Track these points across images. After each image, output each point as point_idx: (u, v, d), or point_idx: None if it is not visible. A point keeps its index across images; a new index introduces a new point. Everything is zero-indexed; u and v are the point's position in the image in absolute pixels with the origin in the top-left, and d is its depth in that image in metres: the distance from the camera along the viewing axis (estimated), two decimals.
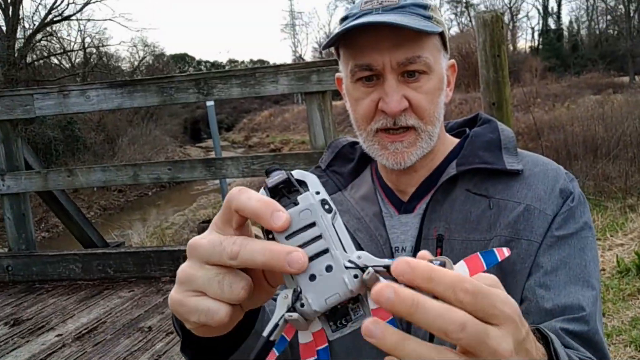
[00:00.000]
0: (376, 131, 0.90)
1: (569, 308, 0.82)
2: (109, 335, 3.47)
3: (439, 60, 0.91)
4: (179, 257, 4.37)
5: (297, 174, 0.50)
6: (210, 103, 6.21)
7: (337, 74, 1.00)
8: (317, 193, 0.49)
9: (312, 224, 0.47)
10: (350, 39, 0.88)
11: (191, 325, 0.53)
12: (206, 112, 6.89)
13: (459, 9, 46.99)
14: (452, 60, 0.98)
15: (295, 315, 0.46)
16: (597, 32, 44.03)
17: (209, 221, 7.17)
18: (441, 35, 0.91)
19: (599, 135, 10.73)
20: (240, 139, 30.41)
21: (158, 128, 21.73)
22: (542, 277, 0.85)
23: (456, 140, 1.02)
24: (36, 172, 4.70)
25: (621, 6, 40.15)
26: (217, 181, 10.44)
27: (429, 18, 0.88)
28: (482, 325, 0.42)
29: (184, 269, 0.52)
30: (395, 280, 0.42)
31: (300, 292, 0.46)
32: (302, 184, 0.49)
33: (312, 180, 0.50)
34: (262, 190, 0.50)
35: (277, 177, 0.49)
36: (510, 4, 43.76)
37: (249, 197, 0.47)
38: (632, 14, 39.63)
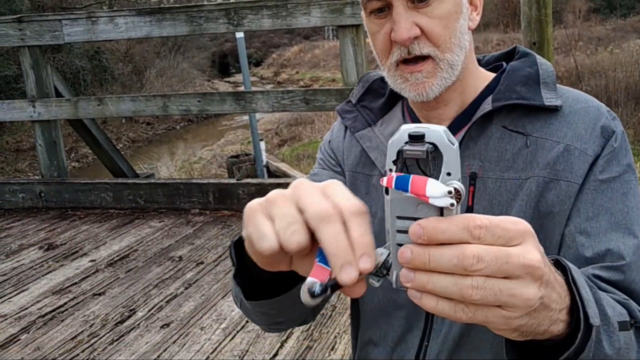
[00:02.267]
0: (396, 65, 0.87)
1: (608, 256, 0.80)
2: (140, 262, 3.58)
3: None
4: (208, 190, 4.43)
5: (438, 138, 0.48)
6: (240, 35, 6.10)
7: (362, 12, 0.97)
8: (448, 174, 0.48)
9: None
10: None
11: (245, 240, 0.57)
12: (235, 46, 6.77)
13: None
14: None
15: (377, 284, 0.52)
16: None
17: (237, 156, 7.24)
18: None
19: None
20: (269, 75, 30.10)
21: (186, 61, 21.60)
22: (583, 223, 0.83)
23: (492, 75, 0.97)
24: (66, 99, 4.74)
25: None
26: (246, 117, 10.43)
27: None
28: (500, 250, 0.46)
29: (278, 192, 0.54)
30: None
31: (391, 266, 0.51)
32: (438, 152, 0.48)
33: (450, 155, 0.48)
34: (394, 143, 0.49)
35: (417, 150, 0.48)
36: None
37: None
38: None
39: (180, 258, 3.61)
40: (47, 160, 4.77)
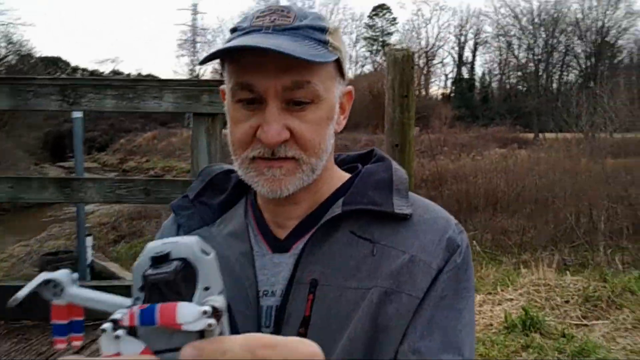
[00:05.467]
0: (252, 158, 0.89)
1: None
2: None
3: (332, 88, 0.91)
4: (11, 294, 3.94)
5: (188, 251, 0.47)
6: (77, 114, 5.83)
7: (222, 86, 0.97)
8: (206, 289, 0.47)
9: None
10: (235, 55, 0.87)
11: None
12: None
13: (374, 47, 49.12)
14: (350, 87, 0.99)
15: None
16: (508, 86, 47.72)
17: (55, 253, 6.67)
18: (338, 61, 0.92)
19: (500, 189, 11.53)
20: (113, 162, 29.35)
21: (10, 140, 20.35)
22: (417, 342, 0.86)
23: (346, 176, 1.02)
24: None
25: (531, 64, 44.19)
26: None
27: (325, 43, 0.88)
28: None
29: None
30: None
31: (127, 332, 0.46)
32: (190, 268, 0.47)
33: (206, 267, 0.47)
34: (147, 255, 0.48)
35: (162, 273, 0.46)
36: (426, 48, 46.48)
37: None
38: (540, 73, 43.72)
39: None
40: None
